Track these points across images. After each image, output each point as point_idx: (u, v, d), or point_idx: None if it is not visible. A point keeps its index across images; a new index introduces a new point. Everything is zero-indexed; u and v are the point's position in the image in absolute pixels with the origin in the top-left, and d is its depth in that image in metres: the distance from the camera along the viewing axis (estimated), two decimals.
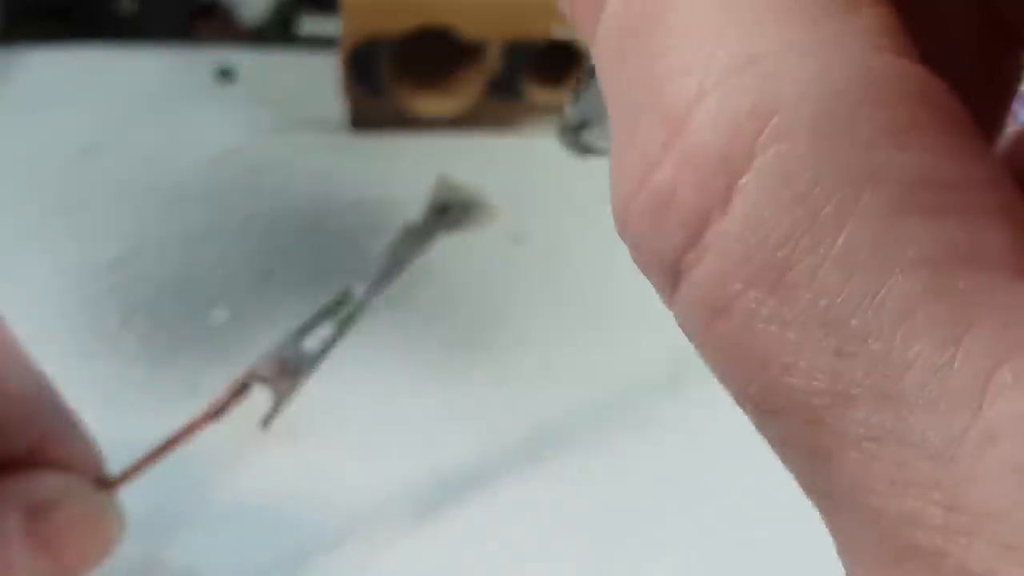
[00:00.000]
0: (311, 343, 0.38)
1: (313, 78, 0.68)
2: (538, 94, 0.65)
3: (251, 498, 0.44)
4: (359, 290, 0.38)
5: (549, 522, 0.44)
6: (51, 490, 0.33)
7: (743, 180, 0.14)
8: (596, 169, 0.65)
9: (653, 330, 0.53)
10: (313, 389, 0.48)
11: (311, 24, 0.73)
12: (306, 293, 0.53)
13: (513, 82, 0.64)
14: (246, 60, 0.70)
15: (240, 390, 0.37)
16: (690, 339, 0.15)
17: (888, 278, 0.13)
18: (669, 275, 0.15)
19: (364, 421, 0.48)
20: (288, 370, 0.38)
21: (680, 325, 0.15)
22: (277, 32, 0.74)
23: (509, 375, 0.50)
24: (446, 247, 0.57)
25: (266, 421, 0.38)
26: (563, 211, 0.60)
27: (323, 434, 0.47)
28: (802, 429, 0.14)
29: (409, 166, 0.63)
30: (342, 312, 0.38)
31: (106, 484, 0.36)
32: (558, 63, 0.64)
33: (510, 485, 0.46)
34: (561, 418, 0.48)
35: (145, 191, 0.59)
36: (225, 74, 0.69)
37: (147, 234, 0.57)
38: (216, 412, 0.37)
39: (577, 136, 0.30)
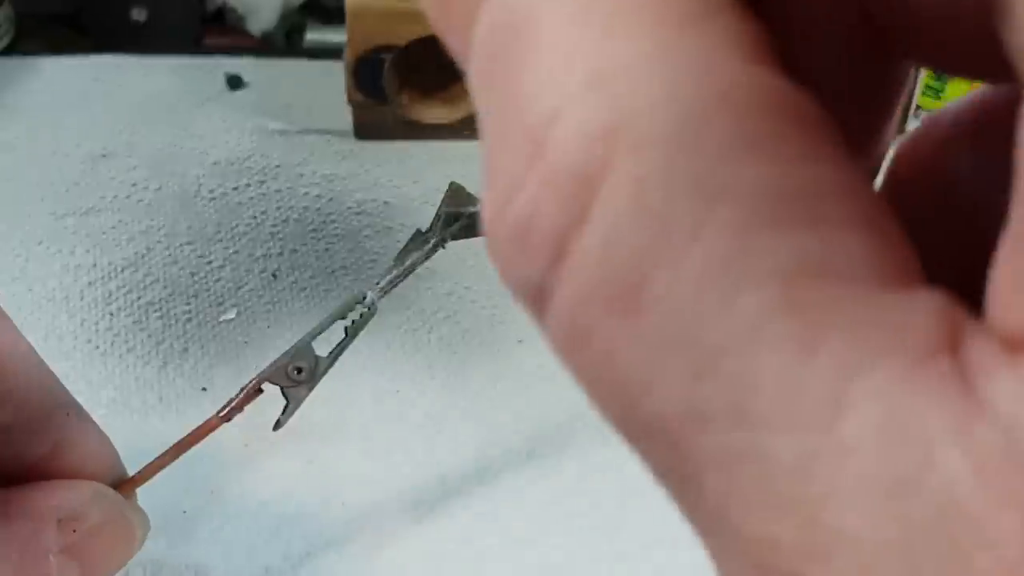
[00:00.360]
0: (322, 347, 0.38)
1: (319, 86, 0.69)
2: None
3: (257, 496, 0.45)
4: (370, 295, 0.39)
5: (549, 519, 0.44)
6: (79, 501, 0.33)
7: (598, 200, 0.13)
8: None
9: None
10: (317, 388, 0.49)
11: (317, 34, 0.74)
12: (312, 293, 0.54)
13: None
14: (254, 68, 0.71)
15: (253, 392, 0.37)
16: (561, 362, 0.14)
17: (740, 294, 0.12)
18: (533, 299, 0.14)
19: (366, 419, 0.48)
20: (300, 374, 0.38)
21: (551, 347, 0.14)
22: (284, 41, 0.75)
23: (509, 374, 0.51)
24: (447, 249, 0.57)
25: (278, 424, 0.38)
26: None
27: (326, 432, 0.47)
28: (665, 452, 0.13)
29: (412, 171, 0.63)
30: (353, 316, 0.39)
31: (124, 485, 0.36)
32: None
33: (511, 483, 0.45)
34: (561, 417, 0.48)
35: (155, 194, 0.60)
36: (234, 82, 0.70)
37: (158, 236, 0.57)
38: (229, 413, 0.37)
39: None
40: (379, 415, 0.48)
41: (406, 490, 0.45)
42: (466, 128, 0.66)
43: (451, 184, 0.41)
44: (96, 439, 0.35)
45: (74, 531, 0.32)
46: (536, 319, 0.14)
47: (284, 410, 0.38)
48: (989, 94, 0.17)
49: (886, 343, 0.12)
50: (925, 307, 0.13)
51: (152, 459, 0.37)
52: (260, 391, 0.37)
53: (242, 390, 0.37)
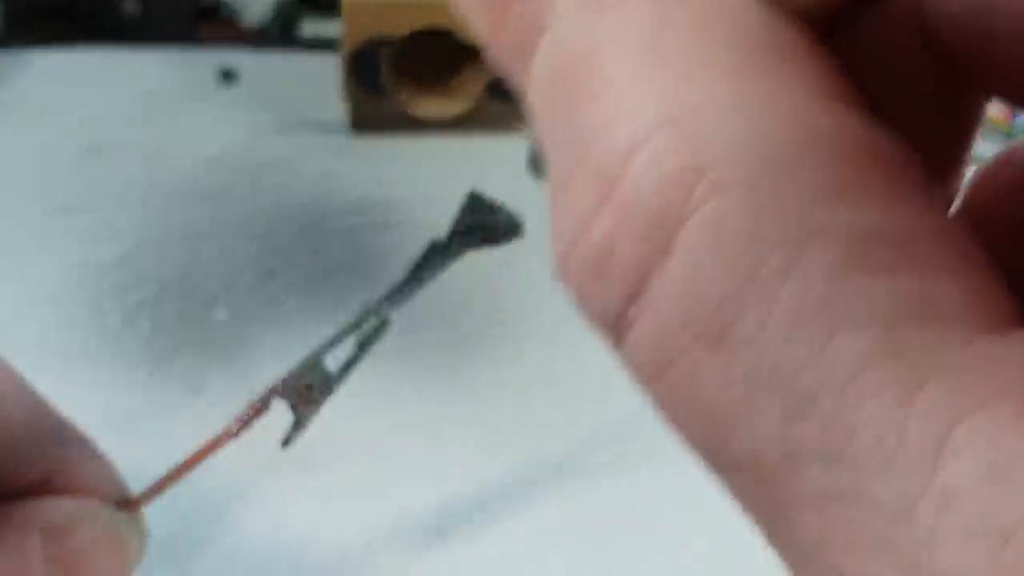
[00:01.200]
0: (331, 362, 0.38)
1: (314, 80, 0.69)
2: None
3: (256, 496, 0.45)
4: (382, 309, 0.38)
5: (550, 520, 0.44)
6: (67, 513, 0.33)
7: (681, 236, 0.13)
8: None
9: None
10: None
11: (312, 26, 0.74)
12: (307, 293, 0.54)
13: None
14: (248, 62, 0.71)
15: (260, 408, 0.37)
16: (640, 388, 0.14)
17: (835, 336, 0.13)
18: (613, 328, 0.14)
19: (365, 421, 0.48)
20: (310, 391, 0.37)
21: (630, 374, 0.14)
22: (278, 34, 0.75)
23: (509, 377, 0.50)
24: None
25: (286, 442, 0.37)
26: None
27: (325, 434, 0.47)
28: (756, 488, 0.13)
29: (410, 167, 0.63)
30: (366, 329, 0.38)
31: (127, 505, 0.36)
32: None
33: (511, 484, 0.46)
34: (561, 419, 0.48)
35: (147, 191, 0.60)
36: (227, 75, 0.69)
37: (149, 234, 0.57)
38: (236, 431, 0.37)
39: (544, 165, 0.30)
40: (378, 416, 0.48)
41: (405, 491, 0.45)
42: (464, 123, 0.65)
43: (469, 193, 0.41)
44: (92, 463, 0.34)
45: (60, 544, 0.32)
46: (613, 345, 0.14)
47: (293, 427, 0.37)
48: None
49: (988, 389, 0.12)
50: (1022, 354, 0.13)
51: (156, 474, 0.36)
52: (267, 406, 0.37)
53: (250, 406, 0.36)
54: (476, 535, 0.43)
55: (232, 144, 0.64)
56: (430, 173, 0.63)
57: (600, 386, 0.50)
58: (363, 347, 0.38)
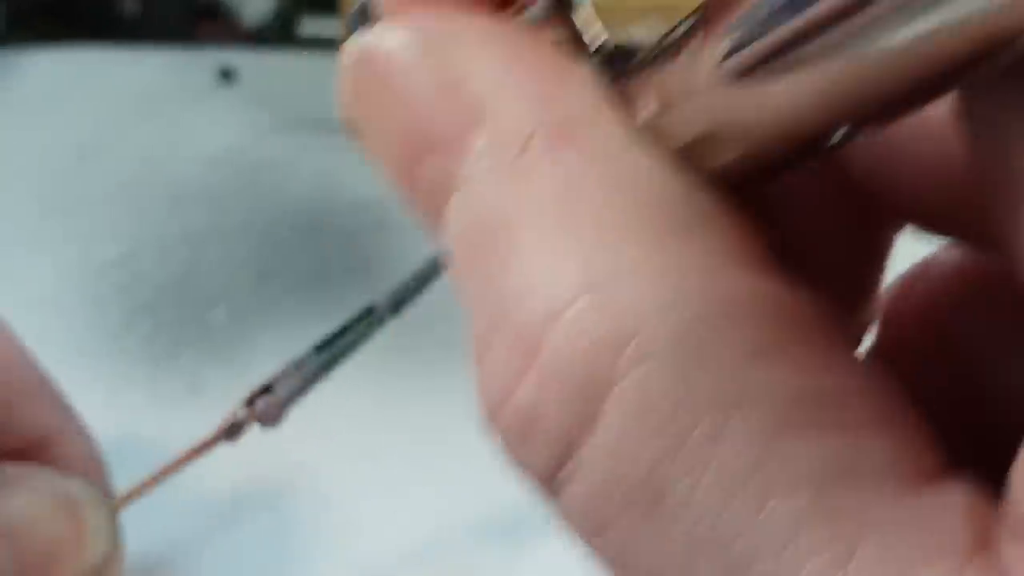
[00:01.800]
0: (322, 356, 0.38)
1: (313, 79, 0.68)
2: None
3: (250, 495, 0.45)
4: (381, 308, 0.38)
5: (549, 517, 0.44)
6: (9, 475, 0.31)
7: (607, 403, 0.13)
8: None
9: None
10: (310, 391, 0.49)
11: (312, 26, 0.74)
12: (305, 293, 0.54)
13: None
14: (247, 61, 0.71)
15: (250, 404, 0.37)
16: (578, 542, 0.15)
17: (769, 500, 0.13)
18: (544, 486, 0.14)
19: (363, 419, 0.48)
20: (299, 379, 0.37)
21: (565, 527, 0.15)
22: (278, 33, 0.75)
23: None
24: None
25: (268, 416, 0.37)
26: None
27: (321, 432, 0.47)
28: None
29: None
30: (360, 328, 0.38)
31: (118, 502, 0.35)
32: None
33: (510, 483, 0.46)
34: None
35: (146, 191, 0.60)
36: (226, 75, 0.69)
37: (147, 234, 0.57)
38: (227, 433, 0.37)
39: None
40: (376, 414, 0.48)
41: (403, 494, 0.45)
42: None
43: None
44: (84, 443, 0.34)
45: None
46: (547, 501, 0.15)
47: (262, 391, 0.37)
48: (973, 259, 0.18)
49: (923, 548, 0.12)
50: (955, 505, 0.13)
51: (146, 467, 0.36)
52: (255, 403, 0.37)
53: (237, 411, 0.36)
54: (478, 535, 0.44)
55: (231, 143, 0.64)
56: None
57: None
58: (356, 343, 0.38)
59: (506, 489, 0.45)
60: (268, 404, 0.37)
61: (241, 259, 0.56)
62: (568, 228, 0.14)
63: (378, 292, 0.54)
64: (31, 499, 0.30)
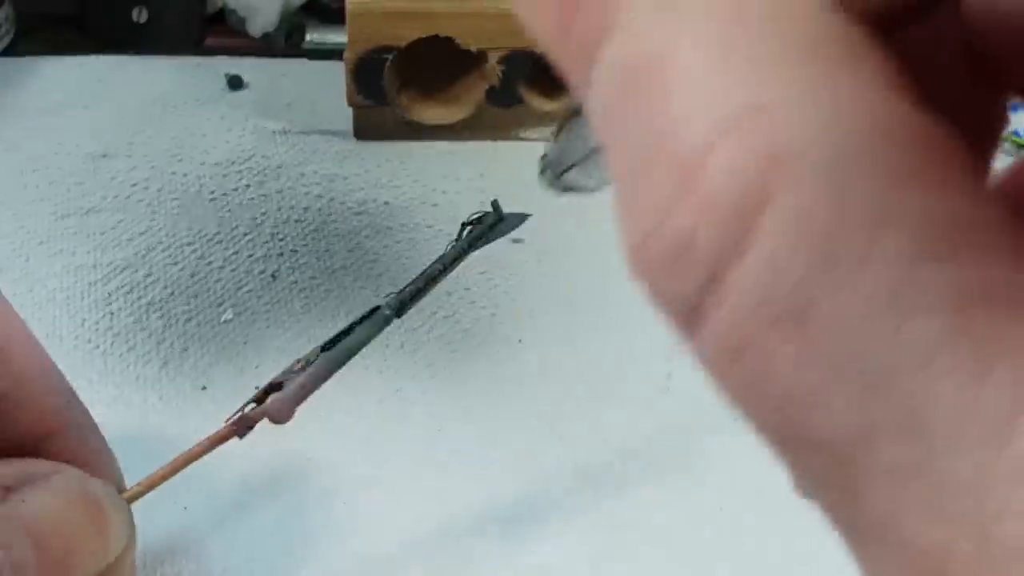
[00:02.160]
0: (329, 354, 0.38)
1: (319, 86, 0.69)
2: (537, 101, 0.66)
3: (257, 493, 0.45)
4: (386, 309, 0.39)
5: (550, 517, 0.44)
6: (33, 472, 0.31)
7: (761, 223, 0.13)
8: None
9: (648, 329, 0.54)
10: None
11: (317, 34, 0.74)
12: (312, 294, 0.54)
13: (512, 90, 0.65)
14: (255, 69, 0.71)
15: (260, 401, 0.37)
16: (712, 378, 0.15)
17: (909, 319, 0.13)
18: (688, 318, 0.14)
19: (366, 418, 0.48)
20: (299, 363, 0.38)
21: (702, 365, 0.15)
22: (284, 43, 0.75)
23: (509, 374, 0.51)
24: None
25: (278, 413, 0.37)
26: (560, 213, 0.61)
27: (326, 431, 0.48)
28: (828, 465, 0.14)
29: (413, 171, 0.63)
30: (365, 328, 0.38)
31: (129, 493, 0.35)
32: (556, 71, 0.66)
33: (511, 482, 0.46)
34: (560, 417, 0.49)
35: (156, 195, 0.60)
36: (234, 82, 0.70)
37: (158, 236, 0.57)
38: (236, 430, 0.37)
39: (559, 175, 0.30)
40: (379, 414, 0.48)
41: (406, 488, 0.45)
42: (465, 129, 0.66)
43: (493, 202, 0.41)
44: (94, 438, 0.34)
45: (23, 500, 0.29)
46: (686, 335, 0.15)
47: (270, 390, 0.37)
48: None
49: None
50: None
51: (156, 464, 0.36)
52: (265, 401, 0.37)
53: (248, 408, 0.36)
54: (479, 528, 0.44)
55: (239, 149, 0.64)
56: (432, 177, 0.63)
57: (596, 383, 0.51)
58: (364, 341, 0.38)
59: (506, 484, 0.46)
60: (278, 401, 0.37)
61: (249, 261, 0.56)
62: (733, 55, 0.14)
63: (382, 293, 0.54)
64: (55, 498, 0.30)
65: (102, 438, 0.35)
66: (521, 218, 0.40)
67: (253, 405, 0.37)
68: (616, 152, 0.15)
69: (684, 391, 0.50)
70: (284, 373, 0.37)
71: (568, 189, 0.30)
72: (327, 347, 0.38)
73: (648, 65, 0.14)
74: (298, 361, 0.37)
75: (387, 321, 0.39)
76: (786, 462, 0.15)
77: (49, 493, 0.30)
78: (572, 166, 0.28)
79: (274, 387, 0.37)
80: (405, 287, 0.39)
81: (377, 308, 0.39)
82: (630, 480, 0.46)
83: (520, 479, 0.46)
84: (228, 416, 0.47)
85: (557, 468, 0.46)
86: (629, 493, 0.45)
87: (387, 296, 0.39)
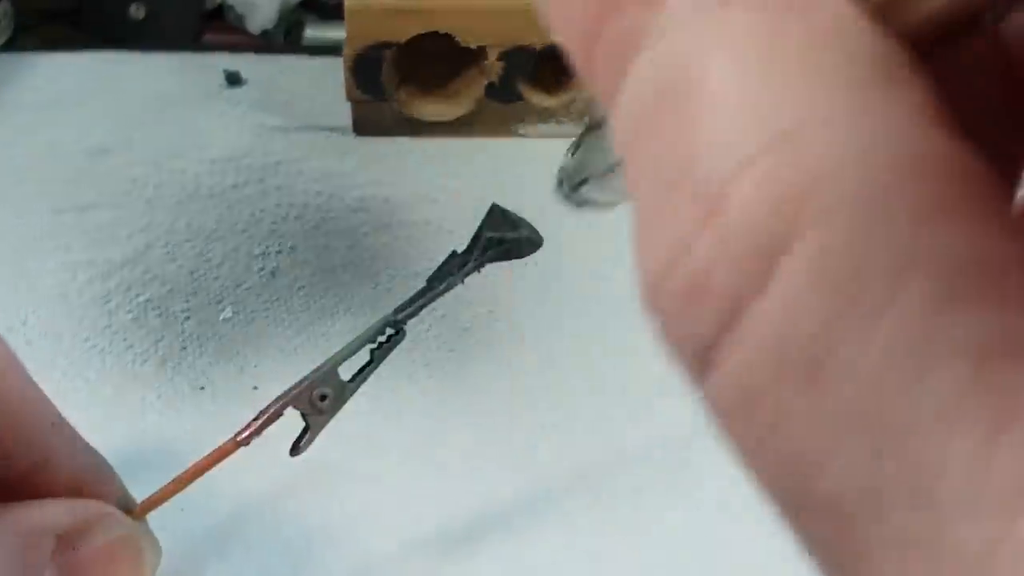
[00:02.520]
0: (345, 370, 0.37)
1: (318, 83, 0.69)
2: (536, 97, 0.66)
3: (254, 492, 0.45)
4: (399, 318, 0.38)
5: (546, 515, 0.44)
6: (82, 518, 0.31)
7: (782, 264, 0.13)
8: None
9: (647, 330, 0.53)
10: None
11: (316, 31, 0.74)
12: (311, 291, 0.54)
13: (512, 86, 0.65)
14: (253, 65, 0.71)
15: (274, 417, 0.36)
16: (719, 427, 0.14)
17: (930, 371, 0.12)
18: (699, 360, 0.14)
19: (363, 417, 0.48)
20: (324, 401, 0.37)
21: (708, 409, 0.14)
22: (283, 38, 0.75)
23: (507, 372, 0.51)
24: (446, 245, 0.58)
25: (296, 450, 0.37)
26: (559, 211, 0.61)
27: (324, 434, 0.48)
28: (834, 530, 0.13)
29: (412, 168, 0.63)
30: (381, 339, 0.38)
31: (137, 510, 0.35)
32: (556, 67, 0.66)
33: (508, 479, 0.46)
34: (557, 415, 0.49)
35: (155, 191, 0.60)
36: (232, 79, 0.70)
37: (157, 233, 0.57)
38: (248, 438, 0.36)
39: (575, 189, 0.30)
40: (376, 412, 0.48)
41: (403, 487, 0.45)
42: (464, 125, 0.66)
43: (492, 206, 0.41)
44: (87, 456, 0.34)
45: (74, 549, 0.30)
46: (696, 378, 0.14)
47: (302, 435, 0.37)
48: None
49: None
50: None
51: (161, 465, 0.36)
52: (281, 415, 0.37)
53: (262, 413, 0.36)
54: (478, 528, 0.44)
55: (237, 145, 0.64)
56: (431, 174, 0.63)
57: (596, 380, 0.51)
58: (377, 356, 0.38)
59: (504, 483, 0.46)
60: (307, 443, 0.37)
61: (248, 258, 0.56)
62: (766, 77, 0.13)
63: (382, 289, 0.54)
64: (103, 543, 0.32)
65: (96, 454, 0.34)
66: (535, 246, 0.40)
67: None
68: (638, 172, 0.14)
69: (685, 388, 0.50)
70: (303, 399, 0.36)
71: (584, 203, 0.30)
72: (353, 380, 0.37)
73: (680, 84, 0.14)
74: (321, 395, 0.36)
75: (397, 341, 0.38)
76: (788, 523, 0.14)
77: (98, 539, 0.31)
78: (587, 180, 0.28)
79: (287, 402, 0.36)
80: (416, 302, 0.38)
81: (397, 332, 0.38)
82: (629, 479, 0.46)
83: (519, 478, 0.46)
84: (225, 417, 0.47)
85: (556, 467, 0.46)
86: (629, 492, 0.45)
87: (398, 312, 0.38)
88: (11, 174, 0.61)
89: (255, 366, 0.50)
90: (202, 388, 0.49)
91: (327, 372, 0.36)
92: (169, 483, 0.36)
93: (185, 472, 0.36)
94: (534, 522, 0.44)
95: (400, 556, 0.43)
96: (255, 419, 0.36)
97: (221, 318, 0.52)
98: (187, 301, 0.53)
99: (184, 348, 0.51)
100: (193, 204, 0.59)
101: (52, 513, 0.31)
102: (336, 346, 0.51)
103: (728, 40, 0.14)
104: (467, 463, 0.46)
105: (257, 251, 0.56)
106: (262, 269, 0.55)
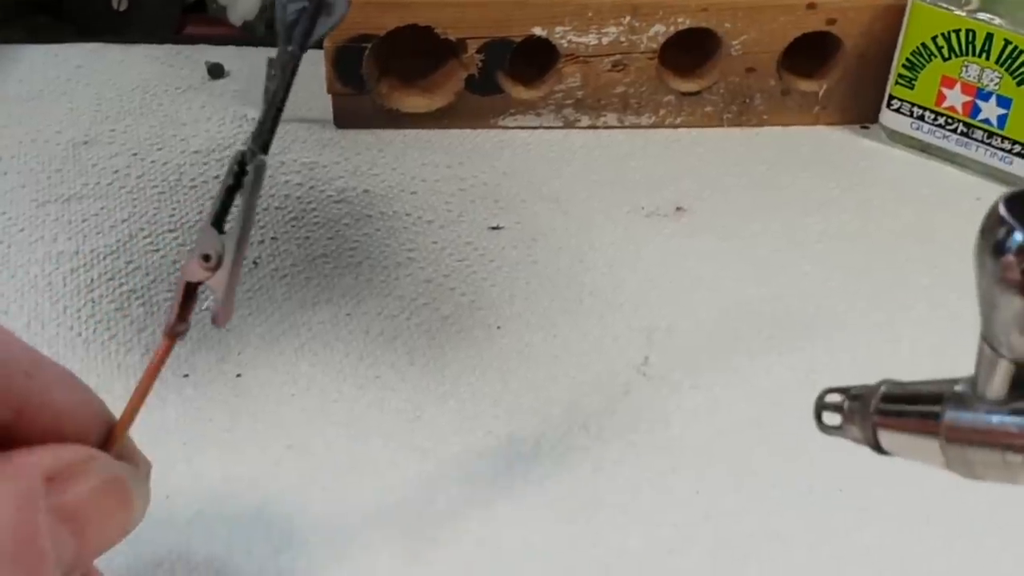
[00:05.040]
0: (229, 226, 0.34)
1: (299, 75, 0.69)
2: (515, 90, 0.66)
3: (238, 480, 0.45)
4: (251, 149, 0.36)
5: (529, 502, 0.45)
6: (70, 460, 0.31)
7: None
8: (570, 163, 0.67)
9: (624, 314, 0.54)
10: (297, 376, 0.50)
11: None
12: (293, 281, 0.55)
13: (491, 78, 0.65)
14: (235, 57, 0.71)
15: (185, 297, 0.34)
16: None
17: None
18: None
19: (347, 405, 0.49)
20: (209, 261, 0.34)
21: None
22: (264, 30, 0.75)
23: (488, 360, 0.51)
24: (426, 236, 0.58)
25: (216, 318, 0.34)
26: (538, 198, 0.62)
27: (306, 418, 0.48)
28: None
29: (392, 159, 0.64)
30: (245, 183, 0.35)
31: (112, 437, 0.34)
32: (535, 59, 0.66)
33: (490, 467, 0.46)
34: (538, 403, 0.49)
35: (137, 182, 0.61)
36: (214, 71, 0.70)
37: (140, 224, 0.58)
38: (174, 329, 0.35)
39: (875, 431, 0.32)
40: (359, 401, 0.49)
41: (386, 475, 0.46)
42: (445, 117, 0.66)
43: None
44: (71, 395, 0.33)
45: (65, 492, 0.30)
46: None
47: (220, 300, 0.34)
48: None
49: None
50: None
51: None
52: (192, 293, 0.35)
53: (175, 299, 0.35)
54: (458, 512, 0.44)
55: (219, 137, 0.64)
56: (411, 165, 0.64)
57: (574, 368, 0.51)
58: (251, 199, 0.35)
59: (485, 469, 0.47)
60: (217, 305, 0.35)
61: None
62: None
63: (363, 280, 0.55)
64: (89, 485, 0.31)
65: (82, 388, 0.34)
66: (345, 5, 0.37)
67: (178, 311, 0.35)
68: None
69: (661, 375, 0.51)
70: (185, 268, 0.35)
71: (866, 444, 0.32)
72: (217, 223, 0.34)
73: None
74: (191, 252, 0.34)
75: (260, 171, 0.35)
76: None
77: (84, 480, 0.31)
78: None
79: (191, 288, 0.35)
80: (262, 124, 0.36)
81: (242, 158, 0.35)
82: (608, 464, 0.47)
83: (499, 464, 0.46)
84: (208, 405, 0.48)
85: (536, 452, 0.47)
86: (607, 477, 0.46)
87: (246, 145, 0.35)
88: None
89: (238, 354, 0.51)
90: (185, 376, 0.49)
91: (203, 234, 0.34)
92: (133, 395, 0.35)
93: (139, 385, 0.35)
94: (514, 506, 0.45)
95: (380, 541, 0.43)
96: (171, 305, 0.34)
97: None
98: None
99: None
100: (176, 195, 0.60)
101: (40, 455, 0.30)
102: (317, 336, 0.52)
103: None
104: (447, 448, 0.47)
105: None
106: (244, 259, 0.55)
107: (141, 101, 0.67)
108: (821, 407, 0.34)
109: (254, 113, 0.66)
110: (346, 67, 0.64)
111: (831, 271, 0.58)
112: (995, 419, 0.27)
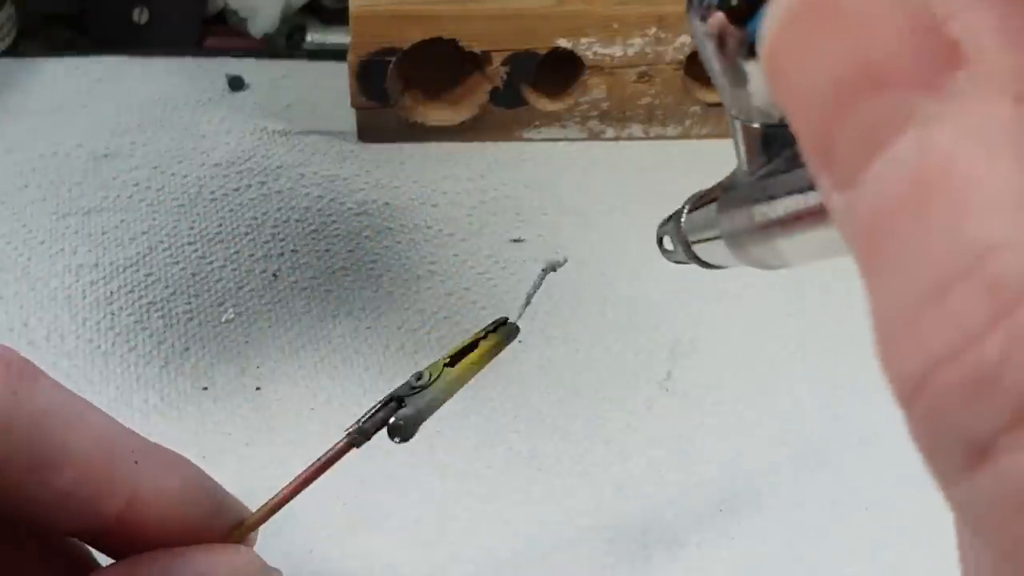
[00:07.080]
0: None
1: (321, 87, 0.69)
2: (540, 102, 0.66)
3: (257, 495, 0.45)
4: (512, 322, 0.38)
5: (550, 517, 0.45)
6: (244, 566, 0.32)
7: None
8: (594, 175, 0.67)
9: (647, 328, 0.54)
10: (317, 389, 0.50)
11: (318, 35, 0.74)
12: (312, 294, 0.55)
13: (516, 91, 0.65)
14: (255, 69, 0.71)
15: (380, 411, 0.36)
16: (973, 524, 0.13)
17: None
18: (968, 455, 0.13)
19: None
20: (419, 380, 0.36)
21: (965, 507, 0.13)
22: (285, 43, 0.75)
23: (509, 375, 0.51)
24: (447, 249, 0.58)
25: (397, 432, 0.36)
26: (559, 213, 0.61)
27: (325, 433, 0.48)
28: None
29: (413, 172, 0.64)
30: (492, 339, 0.37)
31: (245, 527, 0.35)
32: (560, 71, 0.66)
33: (511, 481, 0.46)
34: (560, 418, 0.49)
35: (157, 195, 0.60)
36: (235, 83, 0.70)
37: (159, 236, 0.58)
38: (355, 442, 0.36)
39: (689, 247, 0.30)
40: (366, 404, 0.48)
41: (406, 489, 0.46)
42: (469, 130, 0.66)
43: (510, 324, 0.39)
44: (178, 476, 0.33)
45: None
46: (957, 471, 0.13)
47: (399, 416, 0.35)
48: None
49: None
50: None
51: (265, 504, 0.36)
52: (388, 404, 0.36)
53: (370, 411, 0.36)
54: (479, 529, 0.44)
55: (240, 149, 0.64)
56: (433, 177, 0.63)
57: (596, 383, 0.51)
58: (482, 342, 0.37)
59: (506, 485, 0.46)
60: (403, 419, 0.35)
61: (250, 260, 0.56)
62: None
63: (383, 292, 0.55)
64: (243, 554, 0.33)
65: (194, 469, 0.33)
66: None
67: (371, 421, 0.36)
68: (888, 259, 0.14)
69: (684, 391, 0.50)
70: (404, 388, 0.36)
71: (689, 261, 0.30)
72: (451, 363, 0.36)
73: (956, 171, 0.13)
74: (417, 375, 0.36)
75: (513, 334, 0.37)
76: None
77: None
78: (706, 240, 0.28)
79: (395, 401, 0.36)
80: (527, 299, 0.38)
81: (504, 320, 0.37)
82: (630, 480, 0.46)
83: (520, 480, 0.46)
84: (226, 419, 0.48)
85: (557, 469, 0.47)
86: (629, 493, 0.46)
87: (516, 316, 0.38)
88: (15, 178, 0.61)
89: (257, 367, 0.50)
90: (205, 389, 0.49)
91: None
92: (276, 496, 0.35)
93: (291, 484, 0.36)
94: (536, 523, 0.44)
95: (400, 557, 0.43)
96: (366, 413, 0.35)
97: (223, 319, 0.52)
98: (189, 303, 0.53)
99: (187, 349, 0.51)
100: (195, 208, 0.60)
101: (220, 561, 0.32)
102: (337, 349, 0.51)
103: (1016, 138, 0.13)
104: (468, 464, 0.47)
105: (259, 254, 0.56)
106: (264, 271, 0.55)
107: (161, 114, 0.67)
108: (660, 235, 0.33)
109: (273, 125, 0.66)
110: (370, 80, 0.63)
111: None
112: (747, 190, 0.25)
